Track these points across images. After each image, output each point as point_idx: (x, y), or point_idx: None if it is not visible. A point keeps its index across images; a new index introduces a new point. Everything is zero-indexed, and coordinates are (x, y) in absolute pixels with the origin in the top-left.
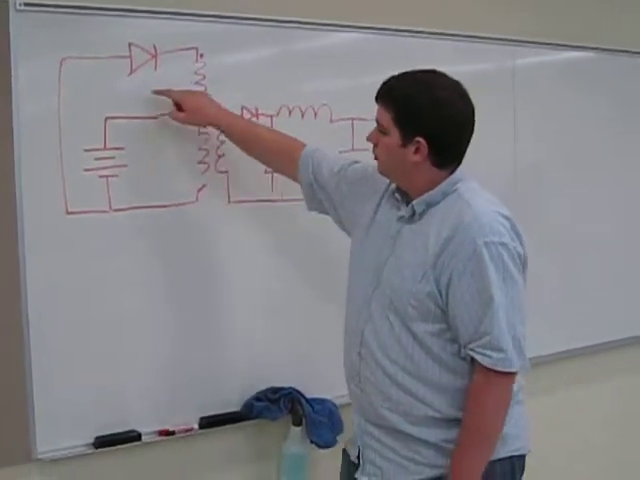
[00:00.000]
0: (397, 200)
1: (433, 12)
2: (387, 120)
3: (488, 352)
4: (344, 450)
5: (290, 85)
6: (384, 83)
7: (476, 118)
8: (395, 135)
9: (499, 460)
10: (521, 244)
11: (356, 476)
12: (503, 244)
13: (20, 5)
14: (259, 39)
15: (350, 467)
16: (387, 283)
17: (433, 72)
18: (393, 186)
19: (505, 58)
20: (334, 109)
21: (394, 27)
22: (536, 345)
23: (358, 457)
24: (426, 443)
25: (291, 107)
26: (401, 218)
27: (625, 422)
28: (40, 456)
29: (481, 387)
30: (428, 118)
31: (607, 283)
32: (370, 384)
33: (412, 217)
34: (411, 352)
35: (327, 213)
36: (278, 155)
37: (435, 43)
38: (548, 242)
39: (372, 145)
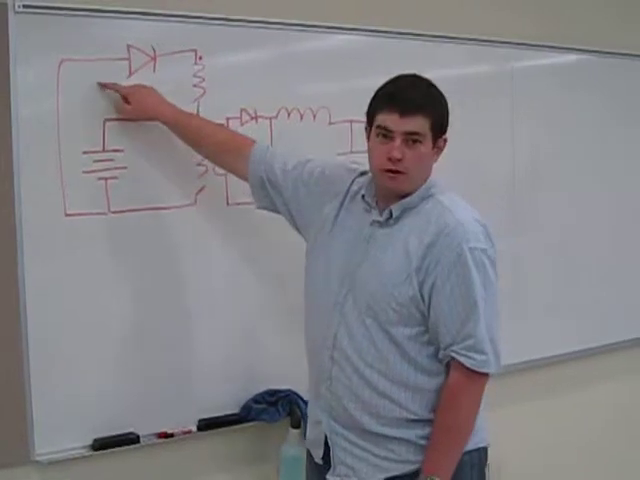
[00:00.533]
0: (367, 204)
1: (431, 15)
2: (425, 127)
3: (471, 354)
4: (308, 451)
5: (289, 87)
6: (411, 94)
7: (475, 120)
8: (429, 141)
9: (468, 452)
10: (494, 251)
11: (327, 477)
12: (484, 250)
13: (19, 7)
14: (258, 41)
15: (315, 468)
16: (363, 287)
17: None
18: (355, 188)
19: (503, 61)
20: (333, 111)
21: (393, 30)
22: (536, 348)
23: (323, 458)
24: (400, 440)
25: (290, 109)
26: (374, 222)
27: (626, 424)
28: (38, 458)
29: (460, 387)
30: (449, 117)
31: (606, 285)
32: (343, 387)
33: (387, 221)
34: (386, 355)
35: (277, 212)
36: (226, 151)
37: (434, 46)
38: (546, 244)
39: (389, 160)
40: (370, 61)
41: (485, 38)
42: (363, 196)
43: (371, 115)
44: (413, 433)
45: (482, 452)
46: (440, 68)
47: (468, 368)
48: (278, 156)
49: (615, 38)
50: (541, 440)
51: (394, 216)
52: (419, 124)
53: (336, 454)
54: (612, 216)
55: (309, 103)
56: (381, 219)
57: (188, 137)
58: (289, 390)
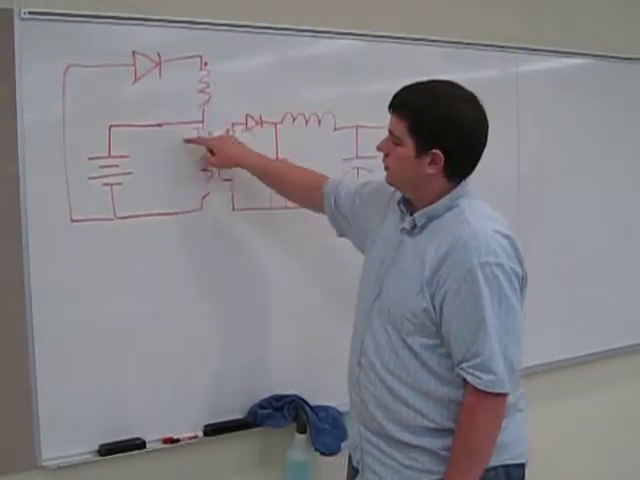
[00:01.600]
0: (402, 211)
1: (437, 20)
2: (401, 131)
3: (478, 373)
4: (349, 455)
5: (294, 93)
6: (398, 93)
7: None
8: (409, 146)
9: (493, 468)
10: (520, 264)
11: None
12: (499, 265)
13: (25, 14)
14: (263, 47)
15: (352, 472)
16: (387, 294)
17: (450, 83)
18: (397, 196)
19: (508, 66)
20: (338, 116)
21: (398, 35)
22: (537, 353)
23: (359, 462)
24: (423, 450)
25: (295, 114)
26: (403, 230)
27: (627, 430)
28: (45, 463)
29: (472, 407)
30: (446, 131)
31: (608, 290)
32: (369, 393)
33: (413, 229)
34: (407, 364)
35: (349, 236)
36: (304, 191)
37: (439, 50)
38: (551, 247)
39: (383, 154)
40: (375, 67)
41: (490, 43)
42: (399, 202)
43: None
44: (436, 443)
45: (512, 469)
46: (445, 73)
47: (476, 387)
48: (345, 185)
49: (619, 42)
50: (543, 447)
51: (418, 225)
52: (394, 124)
53: (365, 460)
54: (617, 219)
55: (314, 108)
56: (408, 227)
57: (266, 179)
58: (295, 395)
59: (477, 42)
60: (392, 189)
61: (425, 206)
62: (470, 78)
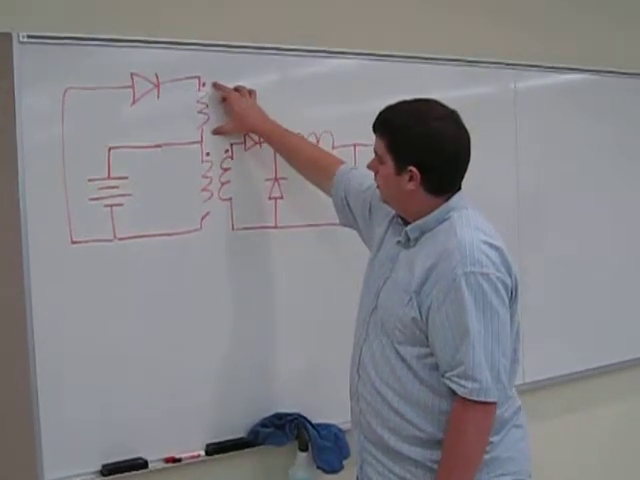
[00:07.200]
0: (399, 225)
1: (434, 37)
2: (382, 149)
3: (463, 382)
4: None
5: (292, 112)
6: (380, 113)
7: (478, 141)
8: (390, 164)
9: None
10: (509, 274)
11: None
12: (484, 274)
13: (23, 37)
14: (261, 67)
15: None
16: (382, 306)
17: (428, 101)
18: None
19: (507, 81)
20: (336, 135)
21: (396, 53)
22: (541, 368)
23: (360, 472)
24: (416, 462)
25: None
26: (398, 243)
27: (631, 445)
28: None
29: (459, 416)
30: (420, 148)
31: (610, 306)
32: (366, 402)
33: (407, 242)
34: (399, 374)
35: (355, 229)
36: (315, 169)
37: (437, 68)
38: (551, 265)
39: (374, 173)
40: (373, 85)
41: (487, 59)
42: (396, 217)
43: None
44: (426, 455)
45: None
46: (442, 90)
47: (462, 396)
48: (358, 177)
49: (618, 57)
50: (545, 462)
51: (411, 238)
52: (376, 143)
53: (363, 469)
54: (616, 235)
55: (312, 128)
56: (402, 240)
57: (278, 149)
58: (297, 413)
59: (475, 59)
60: None
61: (416, 220)
62: (468, 94)
